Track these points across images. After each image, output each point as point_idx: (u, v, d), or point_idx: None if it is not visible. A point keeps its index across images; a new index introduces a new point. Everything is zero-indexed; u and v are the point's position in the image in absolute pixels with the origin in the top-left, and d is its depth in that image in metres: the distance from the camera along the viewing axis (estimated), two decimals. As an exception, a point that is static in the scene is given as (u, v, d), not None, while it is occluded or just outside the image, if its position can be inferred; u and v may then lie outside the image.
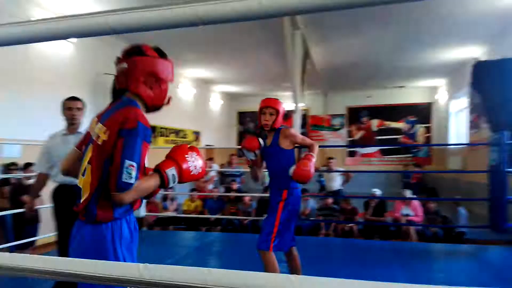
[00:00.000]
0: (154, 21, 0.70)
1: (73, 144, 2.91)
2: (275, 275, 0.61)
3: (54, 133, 3.14)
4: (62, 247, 2.89)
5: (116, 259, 1.33)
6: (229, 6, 0.67)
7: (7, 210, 4.35)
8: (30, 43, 0.72)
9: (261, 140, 2.80)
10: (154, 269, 0.64)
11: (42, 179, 3.04)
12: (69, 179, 2.76)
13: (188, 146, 1.45)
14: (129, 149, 1.27)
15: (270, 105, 2.77)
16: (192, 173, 1.37)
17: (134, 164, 1.27)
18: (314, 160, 2.61)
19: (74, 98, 3.10)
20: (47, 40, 0.75)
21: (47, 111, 6.03)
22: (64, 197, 2.89)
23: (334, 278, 0.58)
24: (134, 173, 1.26)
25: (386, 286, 0.57)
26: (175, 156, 1.38)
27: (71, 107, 3.03)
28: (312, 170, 2.55)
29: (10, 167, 5.04)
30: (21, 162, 5.14)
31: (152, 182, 1.33)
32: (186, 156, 1.37)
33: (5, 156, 5.26)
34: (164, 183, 1.34)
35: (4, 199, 5.02)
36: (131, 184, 1.26)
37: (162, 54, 1.51)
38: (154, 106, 1.48)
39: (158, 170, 1.34)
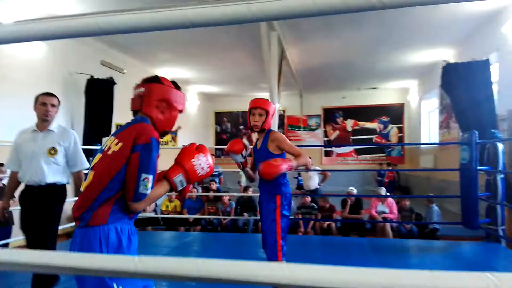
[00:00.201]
0: (144, 23, 0.73)
1: (41, 142, 2.87)
2: (267, 264, 0.64)
3: (24, 129, 3.00)
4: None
5: None
6: (218, 10, 0.70)
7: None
8: (20, 42, 0.73)
9: (245, 141, 2.79)
10: (149, 261, 0.67)
11: (15, 178, 2.89)
12: (35, 180, 2.77)
13: (195, 147, 1.56)
14: (145, 162, 1.39)
15: (259, 105, 2.67)
16: (200, 174, 1.48)
17: (150, 176, 1.39)
18: (289, 166, 2.42)
19: (49, 94, 2.96)
20: (38, 40, 0.76)
21: (19, 111, 5.86)
22: (30, 199, 2.79)
23: (324, 265, 0.62)
24: (149, 185, 1.40)
25: (372, 272, 0.61)
26: (181, 161, 1.49)
27: (45, 103, 2.89)
28: (280, 170, 2.37)
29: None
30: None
31: (162, 190, 1.47)
32: (192, 160, 1.48)
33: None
34: (172, 189, 1.47)
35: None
36: (146, 194, 1.40)
37: (177, 86, 1.65)
38: (163, 130, 1.60)
39: (167, 178, 1.48)
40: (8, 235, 4.62)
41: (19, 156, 2.86)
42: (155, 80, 1.60)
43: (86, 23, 0.71)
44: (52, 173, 2.81)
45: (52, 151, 2.83)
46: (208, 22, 0.70)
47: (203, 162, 1.49)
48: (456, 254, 4.49)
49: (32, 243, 2.82)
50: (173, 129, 1.66)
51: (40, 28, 0.73)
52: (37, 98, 2.93)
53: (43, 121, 2.90)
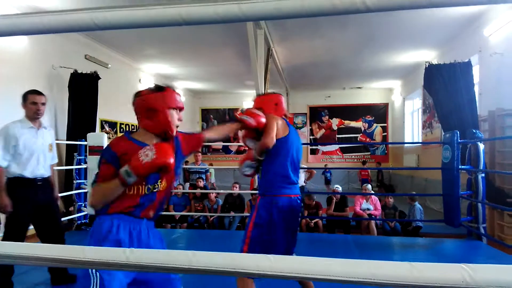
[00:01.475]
0: (138, 20, 0.74)
1: (42, 139, 3.08)
2: (255, 256, 0.67)
3: (15, 123, 3.04)
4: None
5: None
6: (211, 8, 0.72)
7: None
8: (14, 35, 0.73)
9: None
10: (140, 252, 0.68)
11: (3, 172, 2.93)
12: (40, 173, 3.02)
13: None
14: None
15: (254, 107, 2.50)
16: (144, 161, 1.50)
17: (95, 173, 1.62)
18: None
19: (39, 93, 3.07)
20: (33, 34, 0.76)
21: (2, 105, 5.75)
22: (36, 190, 3.01)
23: (308, 257, 0.65)
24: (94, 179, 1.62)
25: (355, 263, 0.64)
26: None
27: (36, 102, 3.01)
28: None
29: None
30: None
31: (111, 183, 1.55)
32: (140, 151, 1.53)
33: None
34: (122, 180, 1.52)
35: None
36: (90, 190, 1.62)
37: (158, 89, 1.71)
38: (162, 132, 1.70)
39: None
40: None
41: (17, 150, 2.93)
42: (136, 96, 1.73)
43: (80, 18, 0.72)
44: (48, 167, 3.14)
45: (50, 147, 3.17)
46: (201, 20, 0.72)
47: (147, 151, 1.52)
48: (438, 251, 4.60)
49: (46, 232, 3.11)
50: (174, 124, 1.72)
51: (34, 22, 0.73)
52: (26, 97, 3.02)
53: (35, 119, 3.05)
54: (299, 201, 2.33)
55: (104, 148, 1.70)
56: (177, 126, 1.73)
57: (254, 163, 2.36)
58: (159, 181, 1.66)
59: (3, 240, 2.92)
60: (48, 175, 3.12)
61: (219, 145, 15.14)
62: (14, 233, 2.94)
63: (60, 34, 6.99)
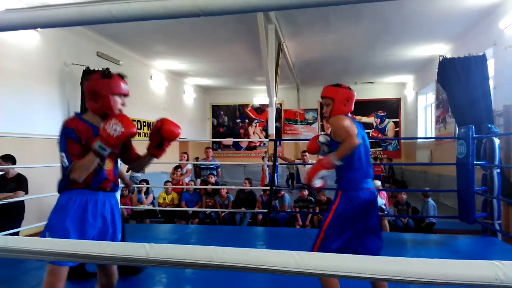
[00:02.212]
0: (156, 11, 0.72)
1: None
2: (279, 252, 0.65)
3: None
4: None
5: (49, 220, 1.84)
6: (230, -1, 0.70)
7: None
8: (31, 29, 0.72)
9: (322, 138, 2.55)
10: (160, 248, 0.67)
11: None
12: None
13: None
14: (59, 145, 1.82)
15: (322, 95, 2.42)
16: (114, 135, 1.70)
17: (63, 153, 1.79)
18: (326, 165, 2.16)
19: None
20: (49, 27, 0.75)
21: (16, 101, 5.83)
22: None
23: (335, 253, 0.63)
24: (65, 159, 1.78)
25: (383, 260, 0.62)
26: (99, 130, 1.77)
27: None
28: (314, 175, 2.18)
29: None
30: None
31: (86, 158, 1.76)
32: (105, 126, 1.72)
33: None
34: (98, 154, 1.74)
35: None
36: (68, 166, 1.77)
37: (105, 76, 1.89)
38: (104, 114, 1.88)
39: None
40: (18, 227, 4.61)
41: None
42: (86, 79, 1.98)
43: (98, 10, 0.71)
44: None
45: None
46: (219, 11, 0.70)
47: (113, 125, 1.71)
48: (453, 248, 4.53)
49: None
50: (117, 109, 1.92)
51: (50, 15, 0.72)
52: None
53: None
54: (375, 194, 2.39)
55: (63, 128, 1.83)
56: (119, 110, 1.90)
57: (330, 171, 2.26)
58: (105, 160, 1.89)
59: None
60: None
61: (229, 141, 15.17)
62: None
63: (72, 31, 7.05)
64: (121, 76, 1.95)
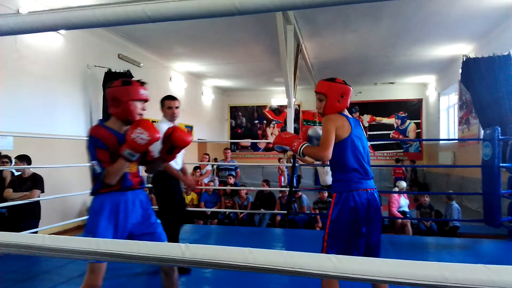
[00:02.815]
0: (191, 10, 0.72)
1: None
2: (316, 255, 0.64)
3: (160, 123, 3.41)
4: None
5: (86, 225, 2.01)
6: (266, -3, 0.69)
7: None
8: (67, 29, 0.73)
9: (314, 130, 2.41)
10: (196, 248, 0.67)
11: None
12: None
13: (134, 124, 1.93)
14: (89, 154, 1.93)
15: (315, 90, 2.33)
16: (141, 143, 1.84)
17: (94, 162, 1.91)
18: (295, 145, 2.20)
19: (173, 98, 3.45)
20: (85, 28, 0.76)
21: (39, 103, 5.98)
22: (176, 181, 3.43)
23: (373, 258, 0.61)
24: (97, 167, 1.91)
25: (424, 265, 0.60)
26: (125, 139, 1.89)
27: (171, 106, 3.38)
28: (283, 142, 2.24)
29: (2, 159, 5.00)
30: (14, 154, 5.08)
31: (117, 164, 1.89)
32: (131, 135, 1.84)
33: (-2, 148, 5.20)
34: (128, 160, 1.89)
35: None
36: (101, 172, 1.91)
37: (125, 83, 2.00)
38: (126, 120, 2.00)
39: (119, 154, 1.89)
40: (36, 226, 4.70)
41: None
42: (108, 87, 2.03)
43: (132, 10, 0.71)
44: (181, 160, 3.56)
45: None
46: (255, 9, 0.69)
47: (140, 134, 1.84)
48: (478, 252, 4.41)
49: (183, 214, 3.65)
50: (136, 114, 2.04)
51: (86, 15, 0.73)
52: (163, 102, 3.43)
53: (172, 121, 3.42)
54: (376, 195, 2.20)
55: (90, 137, 1.95)
56: (140, 115, 2.02)
57: (291, 152, 2.28)
58: (129, 165, 2.01)
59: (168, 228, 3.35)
60: (181, 167, 3.55)
61: (247, 142, 15.19)
62: (173, 217, 3.37)
63: (95, 34, 7.18)
64: (141, 83, 2.05)
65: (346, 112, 2.28)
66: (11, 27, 0.75)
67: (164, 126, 3.30)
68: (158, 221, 2.17)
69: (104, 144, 1.92)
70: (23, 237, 0.79)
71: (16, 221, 4.61)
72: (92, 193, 2.00)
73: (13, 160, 4.91)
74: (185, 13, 0.72)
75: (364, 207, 2.12)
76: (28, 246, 0.76)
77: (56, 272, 3.43)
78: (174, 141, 2.06)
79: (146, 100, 2.04)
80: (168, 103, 3.39)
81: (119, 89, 1.97)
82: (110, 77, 7.21)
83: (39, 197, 4.66)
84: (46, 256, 0.75)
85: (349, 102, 2.29)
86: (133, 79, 2.02)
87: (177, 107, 3.40)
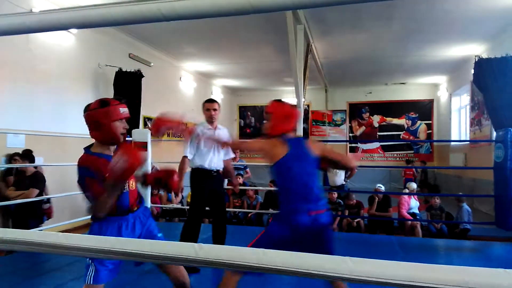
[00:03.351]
0: (206, 9, 0.71)
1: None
2: (331, 257, 0.63)
3: (201, 124, 3.70)
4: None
5: None
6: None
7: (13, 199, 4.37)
8: (83, 28, 0.73)
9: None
10: (209, 248, 0.67)
11: (186, 162, 3.60)
12: (215, 166, 3.62)
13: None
14: (80, 187, 1.84)
15: (265, 109, 2.40)
16: (116, 170, 1.65)
17: (87, 194, 1.82)
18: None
19: (211, 101, 3.72)
20: (101, 26, 0.76)
21: (50, 102, 6.04)
22: (211, 179, 3.58)
23: (388, 260, 0.60)
24: (90, 200, 1.82)
25: (443, 269, 0.59)
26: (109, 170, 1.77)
27: (209, 109, 3.63)
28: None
29: (14, 157, 5.07)
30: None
31: (103, 197, 1.74)
32: (111, 165, 1.68)
33: (9, 146, 5.27)
34: (111, 191, 1.75)
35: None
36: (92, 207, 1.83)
37: (102, 104, 1.90)
38: (109, 141, 1.94)
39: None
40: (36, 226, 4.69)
41: (199, 146, 3.60)
42: (85, 110, 1.94)
43: (148, 9, 0.71)
44: (221, 160, 3.70)
45: None
46: (271, 7, 0.69)
47: (119, 160, 1.66)
48: (489, 255, 4.36)
49: (216, 214, 3.74)
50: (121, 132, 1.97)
51: (102, 14, 0.73)
52: (203, 105, 3.71)
53: (210, 122, 3.67)
54: (323, 218, 2.10)
55: (79, 168, 1.85)
56: (122, 134, 1.93)
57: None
58: (126, 183, 1.93)
59: (186, 221, 3.65)
60: (221, 168, 3.67)
61: (256, 142, 15.17)
62: (195, 215, 3.57)
63: (105, 33, 7.24)
64: (119, 100, 2.00)
65: (291, 135, 2.29)
66: (28, 25, 0.76)
67: (200, 129, 3.58)
68: (160, 234, 2.13)
69: (97, 172, 1.80)
70: (36, 235, 0.80)
71: (18, 219, 4.64)
72: (91, 219, 1.94)
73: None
74: (200, 11, 0.72)
75: (299, 231, 2.07)
76: (41, 243, 0.76)
77: (66, 269, 3.46)
78: (171, 187, 2.13)
79: (126, 118, 1.98)
80: (206, 105, 3.66)
81: (97, 111, 1.89)
82: (121, 76, 7.27)
83: (36, 196, 4.57)
84: (58, 254, 0.75)
85: (295, 125, 2.34)
86: (109, 99, 1.96)
87: (214, 109, 3.62)
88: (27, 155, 4.88)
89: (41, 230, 4.52)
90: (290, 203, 2.15)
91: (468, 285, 0.57)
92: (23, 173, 4.80)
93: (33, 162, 4.85)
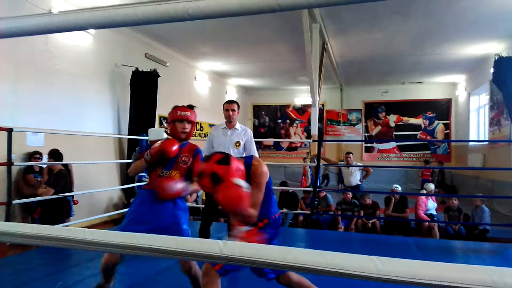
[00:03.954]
0: (232, 8, 0.72)
1: (229, 137, 3.83)
2: (358, 256, 0.63)
3: (217, 125, 3.95)
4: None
5: None
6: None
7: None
8: (110, 28, 0.74)
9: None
10: (233, 245, 0.67)
11: None
12: None
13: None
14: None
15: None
16: (153, 148, 2.37)
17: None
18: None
19: (230, 102, 3.91)
20: (127, 26, 0.77)
21: (69, 101, 6.15)
22: None
23: (417, 260, 0.59)
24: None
25: (471, 269, 0.58)
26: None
27: (228, 109, 3.80)
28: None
29: (34, 155, 5.18)
30: (44, 150, 5.25)
31: (138, 162, 2.48)
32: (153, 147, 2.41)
33: (29, 144, 5.39)
34: (144, 158, 2.42)
35: (29, 187, 5.15)
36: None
37: (172, 108, 2.55)
38: (173, 136, 2.52)
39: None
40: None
41: (212, 145, 3.82)
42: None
43: (173, 8, 0.72)
44: None
45: (237, 144, 3.86)
46: (295, 5, 0.69)
47: (157, 144, 2.34)
48: (509, 257, 4.26)
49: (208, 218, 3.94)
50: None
51: (128, 13, 0.74)
52: (223, 105, 3.90)
53: (229, 122, 3.85)
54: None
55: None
56: (183, 133, 2.48)
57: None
58: (170, 170, 2.40)
59: (201, 223, 3.87)
60: None
61: (270, 141, 15.16)
62: (205, 213, 3.75)
63: (122, 34, 7.33)
64: (188, 106, 2.54)
65: None
66: (55, 25, 0.77)
67: (213, 128, 3.77)
68: (185, 227, 2.44)
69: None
70: (63, 231, 0.81)
71: (43, 216, 4.75)
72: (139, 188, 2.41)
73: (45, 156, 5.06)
74: (225, 10, 0.72)
75: None
76: (68, 239, 0.78)
77: (86, 266, 3.51)
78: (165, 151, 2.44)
79: (184, 119, 2.46)
80: (225, 106, 3.83)
81: (170, 113, 2.51)
82: (137, 76, 7.36)
83: (59, 192, 4.57)
84: (85, 249, 0.76)
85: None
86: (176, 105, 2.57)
87: (233, 110, 3.79)
88: (54, 153, 4.97)
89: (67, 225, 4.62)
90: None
91: (497, 285, 0.56)
92: (52, 172, 4.90)
93: (60, 160, 4.93)
